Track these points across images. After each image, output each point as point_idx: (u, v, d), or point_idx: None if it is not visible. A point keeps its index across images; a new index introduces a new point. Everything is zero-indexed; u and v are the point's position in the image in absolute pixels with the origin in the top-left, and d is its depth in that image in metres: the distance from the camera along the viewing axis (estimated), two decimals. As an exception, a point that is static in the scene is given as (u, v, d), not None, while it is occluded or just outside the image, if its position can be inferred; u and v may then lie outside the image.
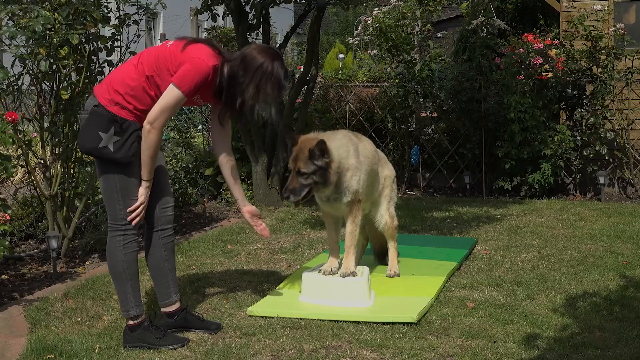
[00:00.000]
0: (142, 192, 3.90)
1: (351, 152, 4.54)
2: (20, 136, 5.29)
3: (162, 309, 4.13)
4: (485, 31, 8.89)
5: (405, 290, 4.73)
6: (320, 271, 4.61)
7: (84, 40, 5.45)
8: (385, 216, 5.06)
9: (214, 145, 4.27)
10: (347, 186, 4.50)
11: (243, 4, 7.98)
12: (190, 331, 4.10)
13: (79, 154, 5.80)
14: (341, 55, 15.30)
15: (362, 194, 4.63)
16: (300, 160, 4.34)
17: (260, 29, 8.23)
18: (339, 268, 4.58)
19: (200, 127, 9.80)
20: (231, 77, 3.91)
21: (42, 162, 5.60)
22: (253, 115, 4.00)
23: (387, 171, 5.11)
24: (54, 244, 5.27)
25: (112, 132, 3.78)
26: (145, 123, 3.80)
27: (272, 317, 4.28)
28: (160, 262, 4.07)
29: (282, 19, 19.14)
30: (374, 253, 5.43)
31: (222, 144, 4.19)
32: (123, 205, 3.87)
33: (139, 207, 3.89)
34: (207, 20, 8.58)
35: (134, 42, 5.93)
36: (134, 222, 3.90)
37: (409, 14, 9.06)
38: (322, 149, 4.30)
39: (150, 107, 3.83)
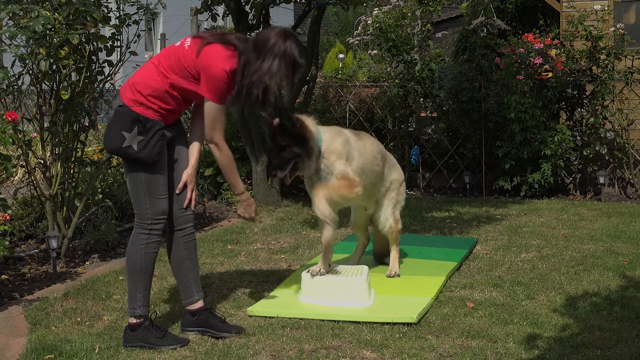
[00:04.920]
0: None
1: (338, 141, 4.50)
2: (20, 136, 5.28)
3: (186, 307, 4.13)
4: (485, 31, 8.89)
5: (405, 290, 4.73)
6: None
7: (84, 40, 5.46)
8: (390, 219, 5.05)
9: (191, 134, 4.17)
10: (330, 169, 4.45)
11: (243, 4, 7.97)
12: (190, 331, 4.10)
13: (79, 153, 5.81)
14: (341, 55, 15.30)
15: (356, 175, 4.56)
16: (277, 135, 4.31)
17: (260, 29, 8.23)
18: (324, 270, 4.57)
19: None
20: (245, 65, 3.83)
21: (42, 162, 5.60)
22: (270, 99, 3.95)
23: (395, 175, 5.08)
24: (54, 244, 5.27)
25: (135, 131, 3.80)
26: (209, 145, 3.93)
27: (272, 317, 4.28)
28: (181, 261, 4.07)
29: (282, 19, 19.11)
30: (374, 254, 5.43)
31: (198, 133, 4.11)
32: (149, 204, 3.88)
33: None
34: (207, 20, 8.57)
35: (134, 42, 5.94)
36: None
37: (409, 14, 9.05)
38: (288, 116, 4.31)
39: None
